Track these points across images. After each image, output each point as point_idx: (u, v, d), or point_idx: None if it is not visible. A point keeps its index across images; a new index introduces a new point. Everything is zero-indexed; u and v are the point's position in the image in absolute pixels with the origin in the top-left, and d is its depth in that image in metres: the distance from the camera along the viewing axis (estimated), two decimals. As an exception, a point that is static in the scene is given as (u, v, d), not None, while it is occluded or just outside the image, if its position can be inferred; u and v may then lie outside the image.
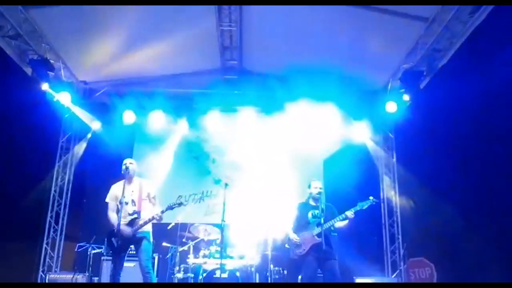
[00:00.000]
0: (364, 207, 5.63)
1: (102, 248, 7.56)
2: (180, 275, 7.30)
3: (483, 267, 6.58)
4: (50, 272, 7.98)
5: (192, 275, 7.20)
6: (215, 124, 9.32)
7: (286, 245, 6.32)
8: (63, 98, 7.91)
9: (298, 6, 6.43)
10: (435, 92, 7.63)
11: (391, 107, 8.15)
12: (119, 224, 5.48)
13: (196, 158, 9.70)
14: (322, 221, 5.59)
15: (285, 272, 7.59)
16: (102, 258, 7.56)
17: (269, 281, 7.34)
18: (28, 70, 7.51)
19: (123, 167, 5.85)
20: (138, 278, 5.75)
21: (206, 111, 9.22)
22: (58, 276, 7.54)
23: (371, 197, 5.67)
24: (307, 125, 8.90)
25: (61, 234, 8.98)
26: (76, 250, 8.01)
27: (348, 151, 8.72)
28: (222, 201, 6.39)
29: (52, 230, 8.88)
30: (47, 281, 7.45)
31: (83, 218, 9.34)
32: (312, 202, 5.95)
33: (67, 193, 9.21)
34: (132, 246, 5.84)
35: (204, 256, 7.37)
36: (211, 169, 9.54)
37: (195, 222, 8.05)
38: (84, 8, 6.49)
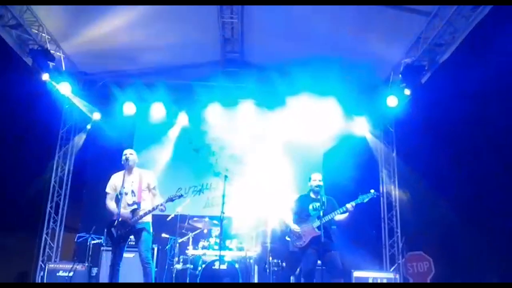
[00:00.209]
0: (365, 200, 5.64)
1: (101, 238, 7.60)
2: (179, 266, 7.34)
3: (481, 261, 6.62)
4: (49, 262, 7.99)
5: (191, 266, 7.24)
6: (216, 116, 9.31)
7: (287, 237, 6.35)
8: (64, 89, 7.90)
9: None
10: (436, 87, 7.62)
11: (391, 101, 8.14)
12: (118, 215, 5.50)
13: (196, 151, 9.70)
14: (321, 213, 5.61)
15: (284, 264, 7.62)
16: (102, 248, 7.57)
17: (267, 273, 7.37)
18: (29, 61, 7.48)
19: (123, 157, 5.86)
20: (137, 269, 5.78)
21: (206, 104, 9.22)
22: (58, 266, 7.55)
23: (372, 190, 5.68)
24: (308, 119, 8.90)
25: (60, 224, 8.99)
26: (75, 240, 8.03)
27: (348, 145, 8.72)
28: (221, 193, 6.40)
29: (52, 220, 8.90)
30: (46, 271, 7.45)
31: (83, 208, 9.35)
32: (312, 195, 5.98)
33: (67, 184, 9.21)
34: (131, 237, 5.87)
35: (203, 247, 7.40)
36: (211, 161, 9.55)
37: (194, 214, 8.09)
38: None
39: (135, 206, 5.69)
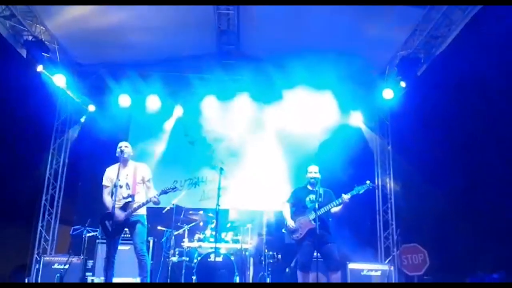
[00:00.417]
0: (361, 192, 5.66)
1: (97, 231, 7.59)
2: (175, 259, 7.35)
3: (476, 253, 6.65)
4: (45, 255, 7.99)
5: (187, 259, 7.26)
6: (212, 109, 9.30)
7: (283, 230, 6.37)
8: (58, 80, 7.81)
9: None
10: (431, 79, 7.63)
11: (387, 94, 8.14)
12: (113, 207, 5.49)
13: (191, 143, 9.69)
14: (317, 206, 5.63)
15: (279, 256, 7.65)
16: (97, 241, 7.58)
17: (263, 265, 7.39)
18: (23, 52, 7.42)
19: (118, 150, 5.82)
20: (133, 261, 5.77)
21: (202, 96, 9.19)
22: (53, 258, 7.55)
23: (368, 181, 5.69)
24: (303, 111, 8.89)
25: (56, 217, 8.97)
26: (71, 233, 8.02)
27: (344, 137, 8.72)
28: (217, 186, 6.40)
29: (47, 213, 8.87)
30: (42, 264, 7.45)
31: (78, 201, 9.33)
32: (309, 187, 6.00)
33: (62, 176, 9.17)
34: (126, 230, 5.86)
35: (199, 240, 7.41)
36: (207, 154, 9.53)
37: (190, 207, 8.10)
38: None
39: (129, 199, 5.68)
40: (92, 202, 6.79)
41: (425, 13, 6.83)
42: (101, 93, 8.98)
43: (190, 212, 7.79)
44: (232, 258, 6.97)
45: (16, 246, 8.30)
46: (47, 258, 7.58)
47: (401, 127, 8.81)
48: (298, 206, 5.98)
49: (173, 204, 7.51)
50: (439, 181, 7.58)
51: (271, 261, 7.53)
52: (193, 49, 8.34)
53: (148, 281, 5.65)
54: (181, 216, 7.68)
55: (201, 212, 7.78)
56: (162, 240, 7.76)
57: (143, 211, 5.78)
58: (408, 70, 7.53)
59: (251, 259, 7.56)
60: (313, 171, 5.98)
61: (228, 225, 7.76)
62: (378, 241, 9.04)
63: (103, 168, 6.00)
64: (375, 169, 9.41)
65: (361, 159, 8.97)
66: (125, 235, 6.02)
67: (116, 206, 5.51)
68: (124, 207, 5.67)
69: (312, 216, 5.66)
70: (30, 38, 7.29)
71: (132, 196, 5.70)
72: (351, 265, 7.33)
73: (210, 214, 7.48)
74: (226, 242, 7.42)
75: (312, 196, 5.85)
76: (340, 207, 5.72)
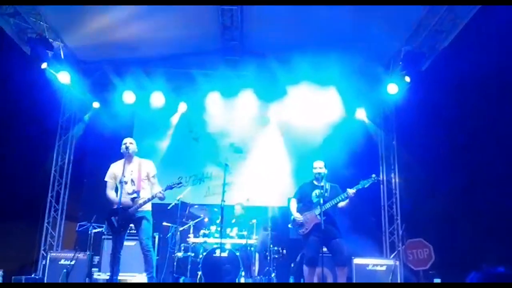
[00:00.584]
0: (366, 185, 5.65)
1: (102, 227, 7.63)
2: (180, 254, 7.39)
3: (481, 247, 6.63)
4: (51, 251, 8.04)
5: (193, 254, 7.29)
6: (216, 105, 9.31)
7: (289, 225, 6.39)
8: (63, 78, 7.85)
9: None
10: (436, 74, 7.61)
11: (392, 88, 8.12)
12: (119, 203, 5.52)
13: (196, 140, 9.71)
14: (321, 201, 5.64)
15: (285, 251, 7.67)
16: (103, 237, 7.64)
17: (268, 261, 7.42)
18: (27, 50, 7.44)
19: (123, 146, 5.86)
20: (138, 257, 5.82)
21: (206, 92, 9.20)
22: (60, 254, 7.60)
23: (373, 175, 5.69)
24: (308, 107, 8.90)
25: (62, 213, 9.01)
26: (77, 229, 8.07)
27: (348, 133, 8.71)
28: (222, 182, 6.42)
29: (53, 209, 8.91)
30: (48, 260, 7.50)
31: (83, 197, 9.38)
32: (315, 182, 6.00)
33: (67, 173, 9.21)
34: (132, 225, 5.89)
35: (204, 235, 7.44)
36: (211, 150, 9.55)
37: (195, 203, 8.12)
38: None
39: (134, 195, 5.72)
40: (97, 198, 6.82)
41: (429, 7, 6.80)
42: (105, 90, 8.99)
43: (195, 207, 7.82)
44: (238, 253, 6.99)
45: (22, 243, 8.34)
46: (54, 254, 7.62)
47: (406, 122, 8.78)
48: (304, 201, 6.00)
49: (178, 200, 7.54)
50: (444, 175, 7.56)
51: (276, 256, 7.56)
52: (197, 46, 8.32)
53: (154, 276, 5.69)
54: (186, 212, 7.71)
55: (206, 208, 7.81)
56: (168, 235, 7.80)
57: (148, 207, 5.82)
58: (412, 65, 7.53)
59: (257, 255, 7.59)
60: (319, 166, 5.99)
61: (233, 220, 7.79)
62: (383, 236, 9.06)
63: (108, 165, 6.05)
64: (380, 164, 9.41)
65: (365, 154, 8.99)
66: (130, 231, 6.06)
67: (122, 202, 5.55)
68: (129, 203, 5.70)
69: (318, 211, 5.66)
70: (34, 35, 7.30)
71: (137, 192, 5.74)
72: (356, 260, 7.35)
73: (216, 210, 7.50)
74: (231, 237, 7.45)
75: (318, 191, 5.86)
76: (346, 201, 5.72)
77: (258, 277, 7.41)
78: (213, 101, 9.27)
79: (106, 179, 5.93)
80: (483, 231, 6.71)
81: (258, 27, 7.77)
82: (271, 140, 9.56)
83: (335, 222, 5.81)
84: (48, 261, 7.49)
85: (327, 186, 5.89)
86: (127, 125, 9.11)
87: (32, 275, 7.88)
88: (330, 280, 6.63)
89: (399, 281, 7.20)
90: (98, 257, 7.62)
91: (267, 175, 9.26)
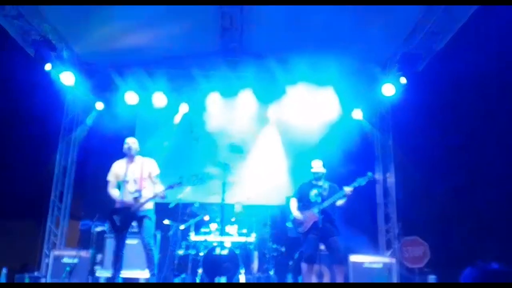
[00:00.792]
0: (363, 184, 5.75)
1: (105, 226, 7.73)
2: (181, 252, 7.51)
3: (476, 246, 6.72)
4: (54, 249, 8.15)
5: (193, 252, 7.40)
6: (216, 105, 9.40)
7: (288, 224, 6.49)
8: (66, 79, 7.94)
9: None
10: (432, 75, 7.69)
11: (388, 89, 8.22)
12: (121, 202, 5.64)
13: (196, 140, 9.80)
14: (320, 200, 5.76)
15: (283, 249, 7.79)
16: (105, 235, 7.73)
17: (267, 258, 7.54)
18: (31, 51, 7.53)
19: (125, 146, 5.97)
20: (140, 255, 5.93)
21: (207, 93, 9.30)
22: (63, 252, 7.70)
23: (369, 173, 5.80)
24: (306, 107, 9.00)
25: (65, 213, 9.07)
26: (80, 228, 8.16)
27: (346, 132, 8.81)
28: (222, 181, 6.52)
29: (56, 208, 8.99)
30: (51, 258, 7.60)
31: (86, 197, 9.44)
32: (314, 182, 6.11)
33: (70, 173, 9.29)
34: (134, 224, 6.00)
35: (205, 233, 7.56)
36: (211, 150, 9.65)
37: (196, 201, 8.23)
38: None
39: (137, 194, 5.79)
40: (100, 197, 6.92)
41: (426, 9, 6.88)
42: (108, 91, 9.09)
43: (196, 206, 7.93)
44: (237, 251, 7.10)
45: (26, 241, 8.42)
46: (57, 252, 7.68)
47: (402, 122, 8.85)
48: (303, 200, 6.10)
49: (179, 199, 7.66)
50: (440, 175, 7.64)
51: (275, 254, 7.67)
52: (198, 47, 8.43)
53: (156, 273, 5.81)
54: (187, 211, 7.84)
55: (206, 206, 7.92)
56: (169, 234, 7.91)
57: (150, 206, 5.92)
58: (408, 66, 7.60)
59: (256, 253, 7.68)
60: (317, 166, 6.11)
61: (233, 219, 7.88)
62: (379, 234, 9.14)
63: (111, 165, 6.14)
64: (376, 164, 9.48)
65: (362, 154, 9.07)
66: (133, 230, 6.17)
67: (124, 201, 5.67)
68: (131, 202, 5.82)
69: (317, 209, 5.77)
70: (38, 37, 7.38)
71: (139, 191, 5.83)
72: (353, 258, 7.41)
73: (216, 209, 7.63)
74: (231, 235, 7.56)
75: (317, 190, 5.95)
76: (344, 200, 5.83)
77: (257, 275, 7.52)
78: (213, 102, 9.36)
79: (108, 178, 6.03)
80: (479, 229, 6.79)
81: (257, 29, 7.86)
82: (270, 139, 9.66)
83: (333, 221, 5.91)
84: (51, 259, 7.58)
85: (326, 185, 6.01)
86: (129, 126, 9.18)
87: (35, 273, 7.97)
88: (327, 277, 6.74)
89: (395, 279, 7.29)
90: (101, 255, 7.69)
91: (266, 174, 9.37)
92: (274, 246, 7.69)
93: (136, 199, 5.80)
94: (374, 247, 8.79)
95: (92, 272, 7.44)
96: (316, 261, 5.78)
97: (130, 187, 5.87)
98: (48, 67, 7.48)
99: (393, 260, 7.49)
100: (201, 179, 9.54)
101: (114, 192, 5.94)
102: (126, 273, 6.79)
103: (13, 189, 7.57)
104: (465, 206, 7.08)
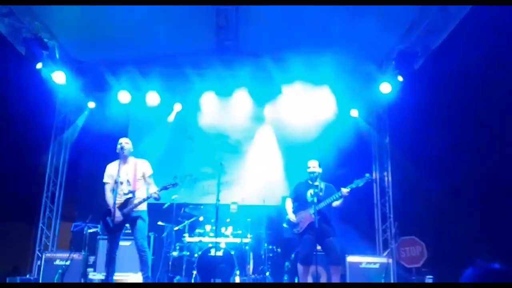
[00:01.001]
0: (360, 185, 5.67)
1: (98, 227, 7.63)
2: (175, 254, 7.41)
3: (473, 246, 6.69)
4: (46, 251, 8.04)
5: (188, 253, 7.32)
6: (211, 105, 9.32)
7: (284, 224, 6.42)
8: (58, 78, 7.84)
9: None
10: (429, 73, 7.65)
11: (385, 88, 8.17)
12: (114, 204, 5.54)
13: (191, 139, 9.72)
14: (315, 200, 5.68)
15: (279, 250, 7.72)
16: (98, 237, 7.64)
17: (263, 259, 7.46)
18: (22, 49, 7.42)
19: (118, 146, 5.87)
20: (134, 257, 5.84)
21: (201, 92, 9.21)
22: (55, 255, 7.59)
23: (367, 174, 5.72)
24: (302, 106, 8.94)
25: (57, 214, 8.98)
26: (72, 229, 8.06)
27: (342, 131, 8.75)
28: (216, 181, 6.45)
29: (48, 210, 8.89)
30: (43, 260, 7.48)
31: (78, 197, 9.37)
32: (310, 182, 6.04)
33: (62, 173, 9.20)
34: (127, 225, 5.91)
35: (199, 234, 7.47)
36: (206, 150, 9.57)
37: (190, 202, 8.15)
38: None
39: (130, 195, 5.74)
40: (92, 198, 6.84)
41: (422, 6, 6.84)
42: (100, 90, 8.97)
43: (190, 207, 7.84)
44: (232, 252, 7.02)
45: (17, 243, 8.33)
46: (49, 255, 7.57)
47: (399, 120, 8.82)
48: (299, 201, 6.03)
49: (173, 200, 7.57)
50: (436, 173, 7.60)
51: (271, 255, 7.60)
52: (192, 45, 8.34)
53: (150, 275, 5.72)
54: (181, 212, 7.74)
55: (201, 207, 7.84)
56: (163, 235, 7.82)
57: (144, 207, 5.84)
58: (405, 64, 7.56)
59: (251, 254, 7.62)
60: (313, 165, 6.02)
61: (228, 220, 7.81)
62: (376, 234, 9.11)
63: (103, 165, 6.05)
64: (373, 163, 9.45)
65: (358, 153, 9.03)
66: (126, 231, 6.07)
67: (117, 202, 5.57)
68: (125, 203, 5.72)
69: (313, 210, 5.69)
70: (29, 35, 7.26)
71: (133, 192, 5.76)
72: (350, 258, 7.34)
73: (211, 208, 7.53)
74: (226, 236, 7.48)
75: (313, 191, 5.89)
76: (340, 200, 5.76)
77: (253, 276, 7.45)
78: (208, 101, 9.28)
79: (104, 180, 5.93)
80: (476, 228, 6.76)
81: (253, 27, 7.79)
82: (265, 139, 9.60)
83: (329, 221, 5.84)
84: (43, 261, 7.45)
85: (322, 185, 5.94)
86: (122, 125, 9.11)
87: (27, 276, 7.86)
88: (324, 278, 6.68)
89: (392, 279, 7.24)
90: (94, 257, 7.61)
91: (262, 174, 9.30)
92: (270, 247, 7.62)
93: (129, 200, 5.71)
94: (371, 247, 8.74)
95: (84, 275, 7.35)
96: (312, 262, 5.72)
97: (124, 188, 5.79)
98: (39, 66, 7.38)
99: (390, 260, 7.42)
100: (195, 179, 9.54)
101: (110, 195, 5.82)
102: (119, 276, 6.70)
103: (4, 190, 7.45)
104: (462, 205, 7.04)
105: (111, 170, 5.93)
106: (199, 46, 8.40)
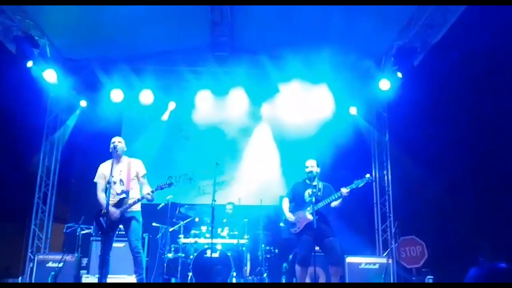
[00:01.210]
0: (360, 185, 5.55)
1: (91, 228, 7.51)
2: (170, 255, 7.28)
3: (473, 245, 6.63)
4: (39, 253, 7.88)
5: (183, 255, 7.19)
6: (206, 103, 9.19)
7: (281, 224, 6.31)
8: (49, 76, 7.70)
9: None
10: (428, 69, 7.56)
11: (384, 85, 8.06)
12: (107, 204, 5.39)
13: (185, 138, 9.61)
14: (314, 200, 5.56)
15: (276, 251, 7.62)
16: (91, 238, 7.52)
17: (260, 260, 7.35)
18: (12, 48, 7.27)
19: (111, 145, 5.72)
20: (128, 258, 5.70)
21: (196, 90, 9.08)
22: (47, 257, 7.45)
23: (367, 175, 5.61)
24: (299, 104, 8.82)
25: (49, 215, 8.84)
26: (64, 231, 7.93)
27: (341, 129, 8.64)
28: (212, 181, 6.34)
29: (40, 211, 8.74)
30: (36, 262, 7.34)
31: (71, 198, 9.26)
32: (308, 181, 5.90)
33: (54, 174, 9.05)
34: (121, 226, 5.77)
35: (195, 235, 7.35)
36: (202, 149, 9.45)
37: (185, 202, 8.03)
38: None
39: (123, 195, 5.60)
40: (85, 199, 6.71)
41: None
42: (93, 88, 8.83)
43: (186, 207, 7.72)
44: (229, 253, 6.90)
45: (9, 245, 8.23)
46: (41, 257, 7.47)
47: (399, 118, 8.74)
48: (297, 200, 5.91)
49: (168, 200, 7.42)
50: (436, 172, 7.54)
51: (268, 256, 7.50)
52: (186, 42, 8.21)
53: (144, 278, 5.58)
54: (176, 212, 7.61)
55: (196, 207, 7.71)
56: (158, 236, 7.69)
57: (137, 208, 5.70)
58: (404, 60, 7.46)
59: (248, 255, 7.51)
60: (311, 165, 5.88)
61: (224, 220, 7.70)
62: (376, 234, 9.02)
63: (96, 164, 5.91)
64: (372, 161, 9.36)
65: (358, 151, 8.96)
66: (119, 232, 5.94)
67: (110, 202, 5.43)
68: (118, 204, 5.59)
69: (311, 210, 5.57)
70: (19, 33, 7.13)
71: (126, 192, 5.62)
72: (349, 259, 7.26)
73: (207, 208, 7.41)
74: (223, 237, 7.35)
75: (311, 190, 5.76)
76: (339, 200, 5.64)
77: (250, 278, 7.33)
78: (203, 99, 9.14)
79: (95, 180, 5.79)
80: (476, 228, 6.71)
81: (249, 23, 7.69)
82: (263, 138, 9.48)
83: (328, 221, 5.73)
84: (35, 264, 7.34)
85: (320, 185, 5.82)
86: (115, 124, 8.96)
87: (19, 278, 7.74)
88: (323, 279, 6.57)
89: (392, 279, 7.14)
90: (87, 259, 7.51)
91: (259, 173, 9.18)
92: (268, 247, 7.51)
93: (123, 200, 5.57)
94: (370, 247, 8.64)
95: (77, 277, 7.24)
96: (310, 263, 5.58)
97: (117, 188, 5.65)
98: (30, 64, 7.25)
99: (390, 261, 7.32)
100: (190, 179, 9.42)
101: (101, 195, 5.68)
102: (113, 278, 6.55)
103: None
104: (463, 204, 6.98)
105: (103, 169, 5.78)
106: (194, 43, 8.27)
